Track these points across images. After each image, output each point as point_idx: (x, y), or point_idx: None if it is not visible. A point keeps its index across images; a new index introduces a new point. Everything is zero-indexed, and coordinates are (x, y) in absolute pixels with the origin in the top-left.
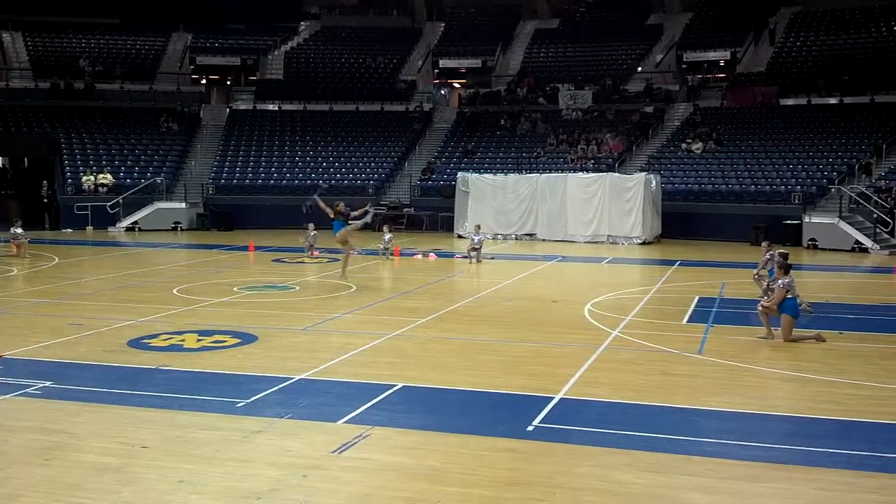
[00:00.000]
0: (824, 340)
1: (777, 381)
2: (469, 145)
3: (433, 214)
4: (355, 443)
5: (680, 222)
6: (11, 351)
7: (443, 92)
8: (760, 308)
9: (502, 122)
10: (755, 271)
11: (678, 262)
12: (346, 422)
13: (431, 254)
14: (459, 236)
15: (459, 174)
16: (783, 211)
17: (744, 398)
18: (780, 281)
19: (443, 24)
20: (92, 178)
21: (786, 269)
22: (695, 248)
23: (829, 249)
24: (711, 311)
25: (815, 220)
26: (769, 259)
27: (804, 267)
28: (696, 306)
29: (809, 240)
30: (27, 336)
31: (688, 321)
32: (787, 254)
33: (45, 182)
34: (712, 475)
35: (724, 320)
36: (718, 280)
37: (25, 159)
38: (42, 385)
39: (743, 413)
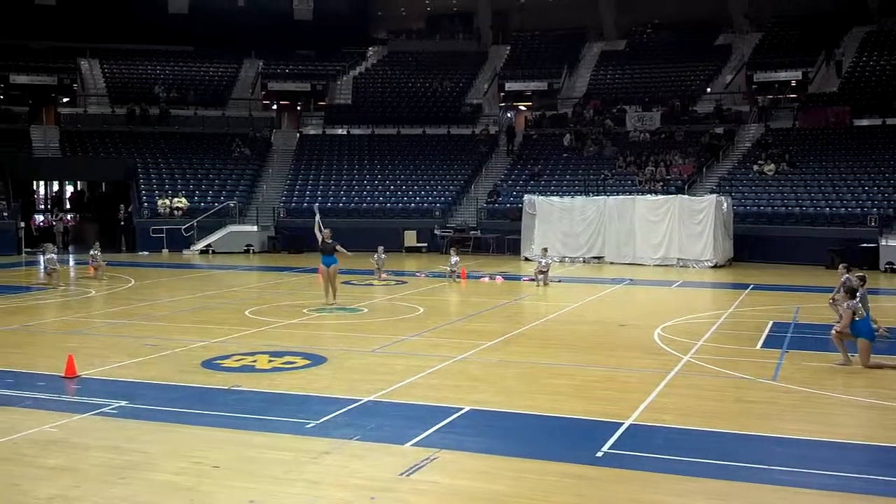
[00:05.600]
0: None
1: (854, 408)
2: (535, 168)
3: (500, 237)
4: (423, 466)
5: (752, 245)
6: (88, 371)
7: (509, 115)
8: (834, 333)
9: (567, 143)
10: (831, 295)
11: (751, 286)
12: (413, 444)
13: (498, 276)
14: (526, 259)
15: (526, 197)
16: (859, 234)
17: (820, 426)
18: (845, 304)
19: (508, 48)
20: (167, 201)
21: (851, 292)
22: (768, 271)
23: None
24: (786, 337)
25: (892, 242)
26: (844, 282)
27: (881, 291)
28: (771, 331)
29: (887, 263)
30: (104, 356)
31: (762, 346)
32: (865, 276)
33: (122, 205)
34: None
35: (799, 346)
36: (793, 304)
37: (103, 183)
38: (118, 405)
39: (818, 441)
